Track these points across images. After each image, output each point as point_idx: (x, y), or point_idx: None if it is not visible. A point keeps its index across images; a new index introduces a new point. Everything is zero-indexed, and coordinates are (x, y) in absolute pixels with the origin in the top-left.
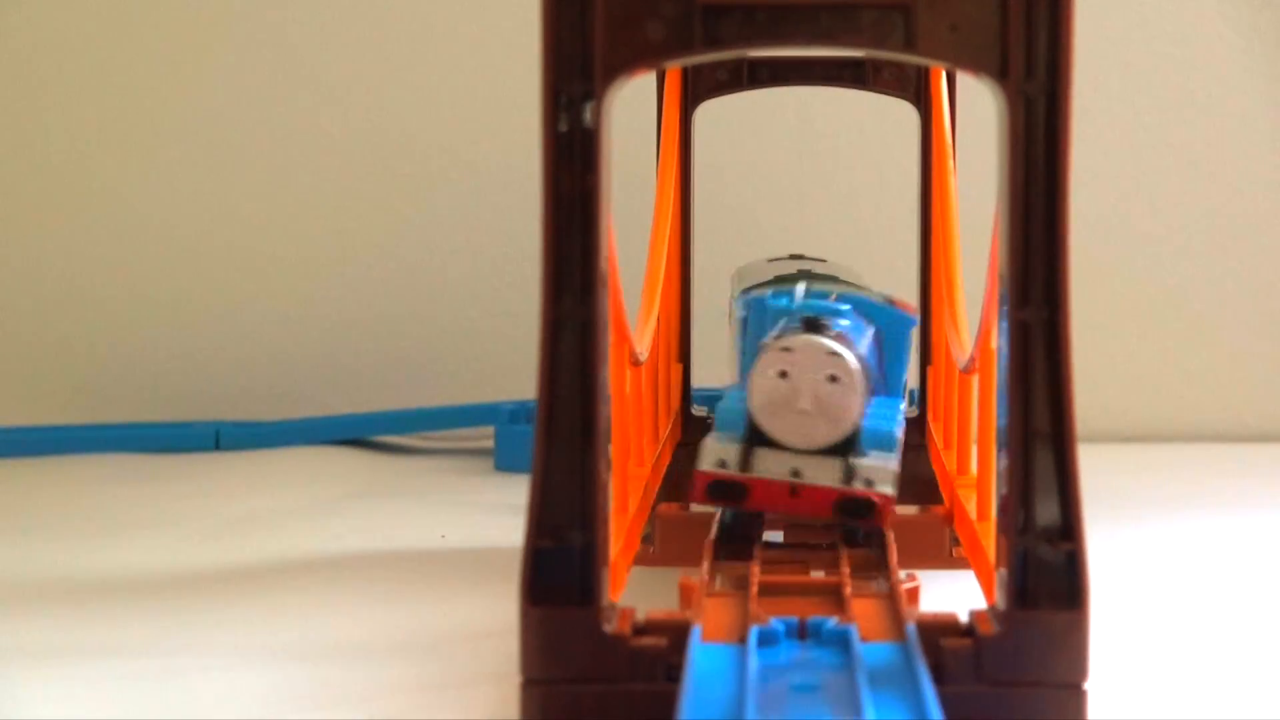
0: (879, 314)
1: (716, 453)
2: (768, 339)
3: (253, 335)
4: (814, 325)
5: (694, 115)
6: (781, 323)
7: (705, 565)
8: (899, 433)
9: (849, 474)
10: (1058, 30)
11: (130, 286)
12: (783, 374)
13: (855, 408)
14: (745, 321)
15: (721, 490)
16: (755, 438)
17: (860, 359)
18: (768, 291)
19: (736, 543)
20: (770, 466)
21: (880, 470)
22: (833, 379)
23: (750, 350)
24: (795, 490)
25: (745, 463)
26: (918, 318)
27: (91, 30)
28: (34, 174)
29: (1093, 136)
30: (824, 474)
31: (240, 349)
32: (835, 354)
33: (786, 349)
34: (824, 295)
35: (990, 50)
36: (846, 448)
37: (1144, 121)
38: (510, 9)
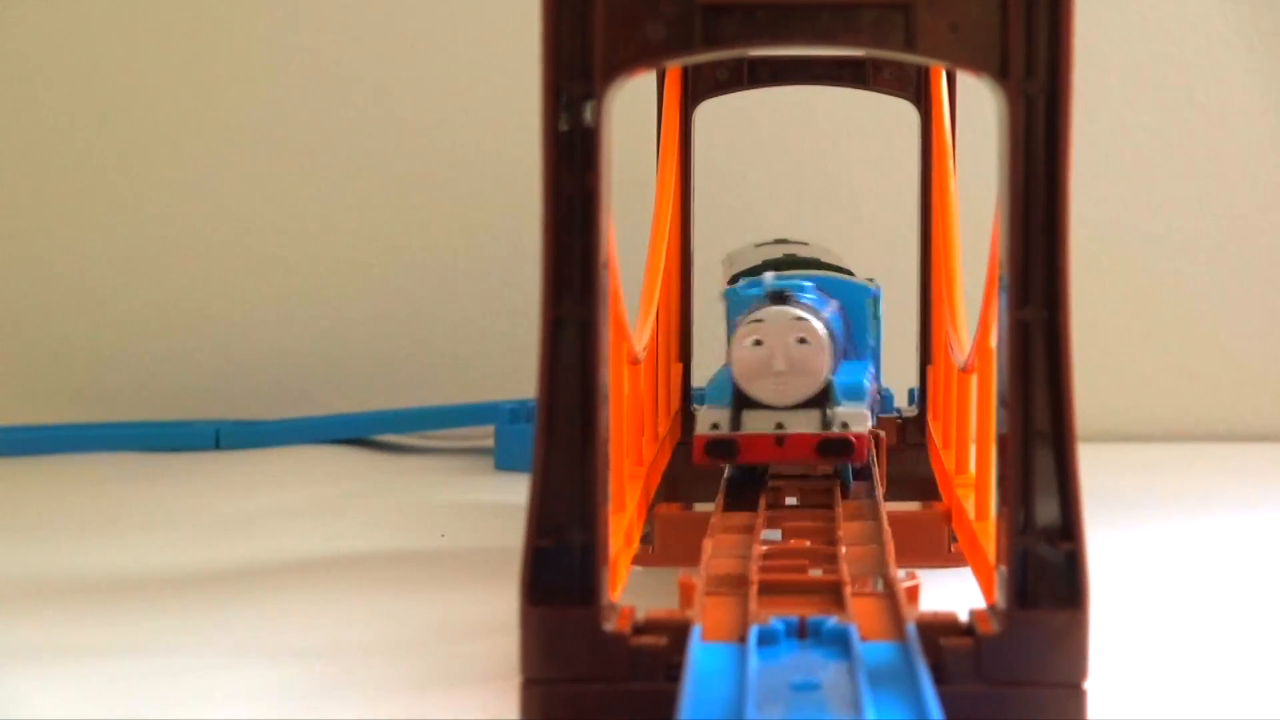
0: (839, 289)
1: (710, 418)
2: (740, 317)
3: (253, 335)
4: (780, 298)
5: (694, 114)
6: (753, 302)
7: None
8: (869, 384)
9: (826, 421)
10: (1058, 30)
11: (131, 286)
12: (757, 342)
13: (824, 364)
14: (727, 312)
15: (716, 448)
16: (742, 401)
17: (825, 323)
18: (740, 283)
19: (743, 497)
20: (757, 424)
21: (854, 415)
22: (801, 341)
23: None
24: (780, 440)
25: (736, 424)
26: (878, 289)
27: (90, 31)
28: (34, 175)
29: (1093, 136)
30: (804, 423)
31: (240, 349)
32: (801, 319)
33: (758, 320)
34: (789, 279)
35: (990, 50)
36: (822, 400)
37: (1144, 121)
38: (510, 9)
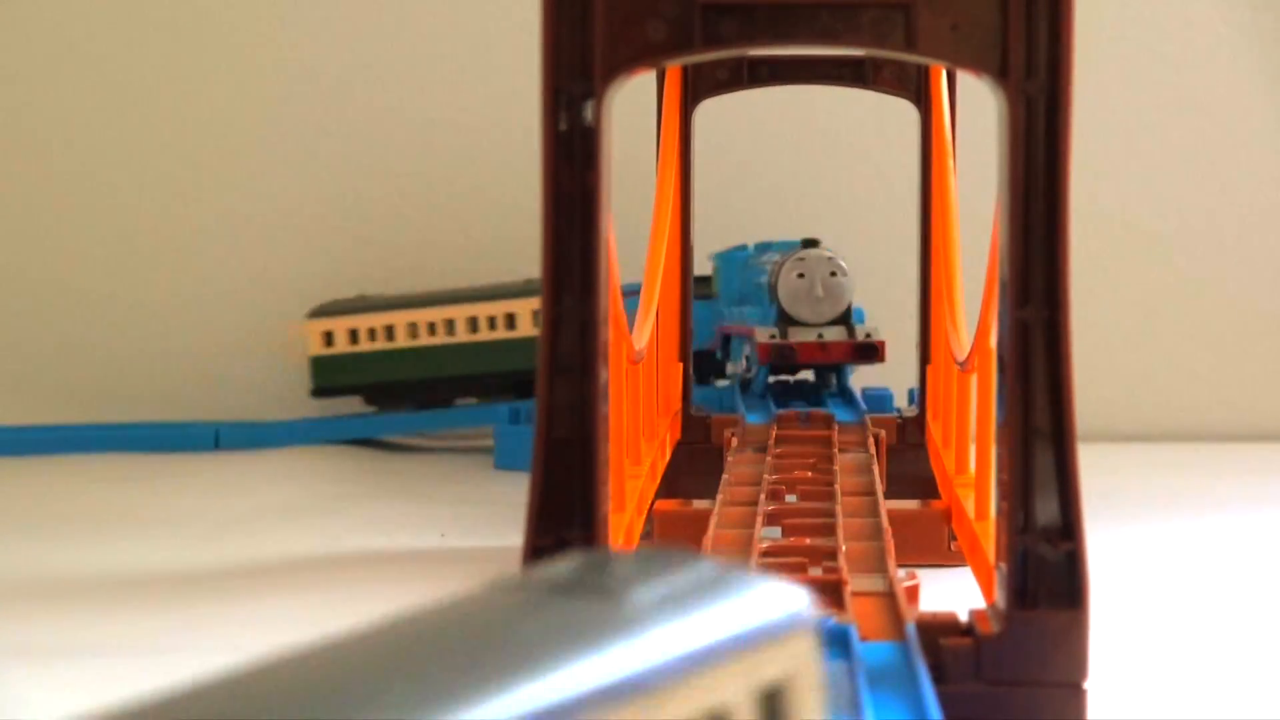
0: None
1: (766, 333)
2: (781, 258)
3: (253, 335)
4: (812, 243)
5: (694, 114)
6: (787, 250)
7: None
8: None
9: (853, 334)
10: (1058, 29)
11: (130, 286)
12: (800, 275)
13: (849, 291)
14: (717, 273)
15: (778, 351)
16: (786, 320)
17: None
18: (728, 249)
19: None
20: (803, 336)
21: (872, 328)
22: (833, 274)
23: (729, 288)
24: (824, 347)
25: (784, 337)
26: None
27: (89, 29)
28: (33, 174)
29: (1093, 136)
30: (838, 335)
31: (240, 349)
32: (832, 257)
33: (801, 259)
34: (770, 243)
35: (991, 49)
36: (847, 318)
37: (1144, 121)
38: (510, 8)
